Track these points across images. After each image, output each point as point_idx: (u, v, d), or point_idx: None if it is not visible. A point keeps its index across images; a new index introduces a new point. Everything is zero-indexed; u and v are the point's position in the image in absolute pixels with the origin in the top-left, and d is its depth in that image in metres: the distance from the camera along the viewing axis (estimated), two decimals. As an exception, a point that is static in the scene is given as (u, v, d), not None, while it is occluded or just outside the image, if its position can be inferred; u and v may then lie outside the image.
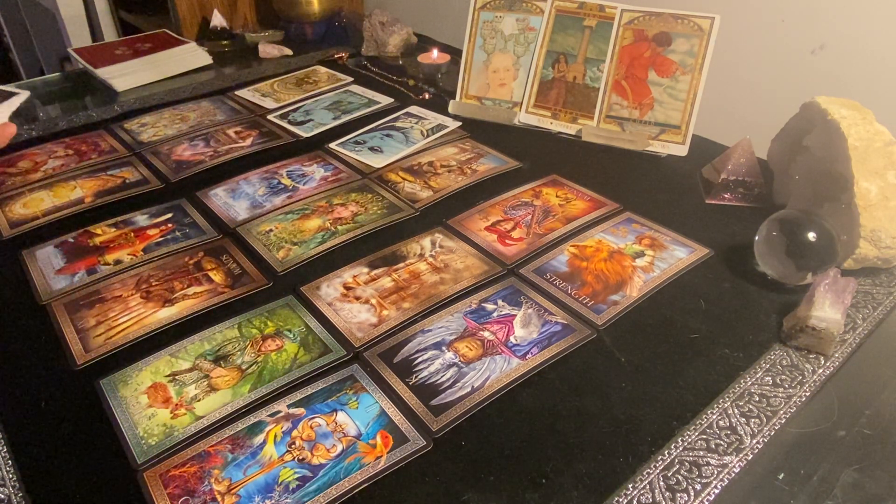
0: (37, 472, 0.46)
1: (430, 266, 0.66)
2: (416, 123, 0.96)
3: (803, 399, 0.52)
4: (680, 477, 0.46)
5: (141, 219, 0.75)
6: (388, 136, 0.93)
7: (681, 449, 0.47)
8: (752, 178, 0.76)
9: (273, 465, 0.46)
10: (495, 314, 0.60)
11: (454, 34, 1.14)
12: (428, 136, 0.92)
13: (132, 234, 0.72)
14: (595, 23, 0.91)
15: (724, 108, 0.98)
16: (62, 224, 0.75)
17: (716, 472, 0.46)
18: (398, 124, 0.96)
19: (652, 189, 0.80)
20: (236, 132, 0.95)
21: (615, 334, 0.58)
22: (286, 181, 0.82)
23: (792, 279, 0.61)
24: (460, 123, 0.95)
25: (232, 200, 0.78)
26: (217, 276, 0.65)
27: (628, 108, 0.90)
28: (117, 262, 0.68)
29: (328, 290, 0.63)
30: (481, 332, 0.58)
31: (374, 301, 0.62)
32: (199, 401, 0.51)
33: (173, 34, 1.30)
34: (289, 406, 0.51)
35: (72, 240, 0.72)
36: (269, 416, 0.50)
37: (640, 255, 0.68)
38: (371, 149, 0.89)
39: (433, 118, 0.97)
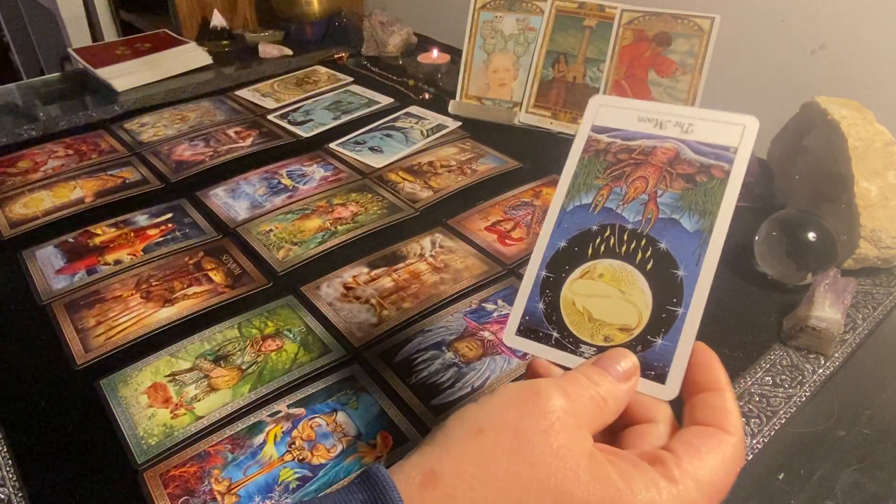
0: (37, 473, 0.46)
1: (430, 266, 0.66)
2: (416, 123, 0.96)
3: (803, 399, 0.52)
4: (680, 477, 0.45)
5: (141, 219, 0.75)
6: (388, 136, 0.93)
7: (681, 449, 0.47)
8: (752, 178, 0.76)
9: (273, 465, 0.46)
10: (495, 314, 0.60)
11: (454, 34, 1.14)
12: (428, 136, 0.92)
13: (132, 234, 0.72)
14: (595, 23, 0.92)
15: (724, 108, 0.98)
16: (62, 224, 0.75)
17: (716, 472, 0.46)
18: (398, 124, 0.96)
19: (652, 189, 0.80)
20: (236, 132, 0.95)
21: (615, 334, 0.58)
22: (286, 181, 0.82)
23: (792, 279, 0.61)
24: (460, 123, 0.95)
25: (232, 200, 0.78)
26: (217, 276, 0.65)
27: (628, 108, 0.90)
28: (117, 262, 0.68)
29: (328, 290, 0.63)
30: (481, 332, 0.58)
31: (374, 301, 0.62)
32: (199, 401, 0.51)
33: (173, 34, 1.30)
34: (289, 406, 0.51)
35: (72, 240, 0.72)
36: (269, 416, 0.50)
37: (640, 255, 0.68)
38: (371, 149, 0.89)
39: (433, 118, 0.97)
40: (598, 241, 0.27)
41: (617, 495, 0.23)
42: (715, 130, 0.27)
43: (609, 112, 0.29)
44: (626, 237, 0.26)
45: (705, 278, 0.23)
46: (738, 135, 0.26)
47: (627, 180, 0.27)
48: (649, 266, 0.25)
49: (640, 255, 0.26)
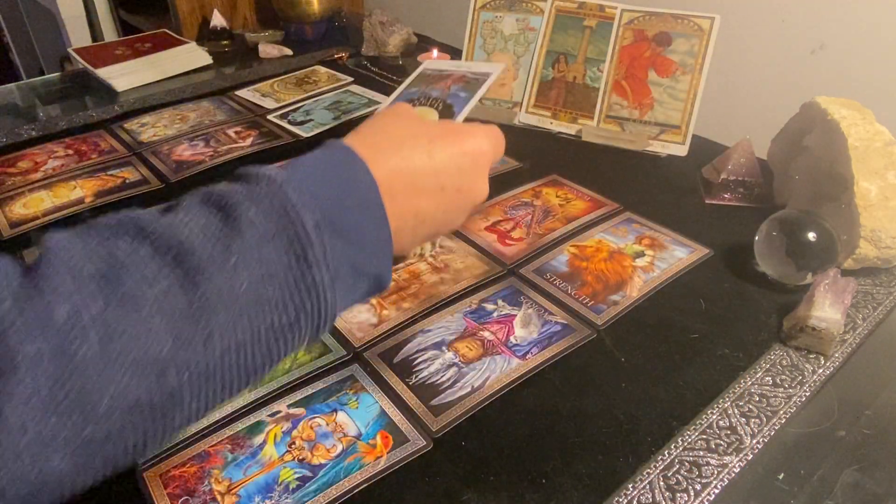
0: (37, 472, 0.46)
1: (430, 266, 0.66)
2: (416, 123, 0.96)
3: (803, 399, 0.52)
4: (680, 477, 0.46)
5: (141, 219, 0.75)
6: (388, 136, 0.93)
7: (681, 449, 0.47)
8: (752, 178, 0.76)
9: (273, 465, 0.46)
10: (495, 314, 0.60)
11: (454, 34, 1.14)
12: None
13: (132, 234, 0.72)
14: (595, 23, 0.92)
15: (724, 108, 0.98)
16: (62, 224, 0.75)
17: (716, 472, 0.46)
18: (398, 124, 0.96)
19: (652, 189, 0.80)
20: (236, 132, 0.95)
21: (615, 334, 0.58)
22: (286, 181, 0.82)
23: (792, 279, 0.61)
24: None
25: (232, 200, 0.78)
26: (217, 276, 0.65)
27: (628, 108, 0.90)
28: (117, 262, 0.68)
29: (328, 290, 0.63)
30: (481, 332, 0.58)
31: (373, 301, 0.62)
32: (199, 401, 0.51)
33: (173, 34, 1.30)
34: (289, 406, 0.51)
35: (72, 240, 0.72)
36: (269, 416, 0.50)
37: (640, 255, 0.68)
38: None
39: (433, 118, 0.97)
40: (416, 100, 0.60)
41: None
42: (480, 67, 0.61)
43: (433, 65, 0.65)
44: (429, 101, 0.59)
45: (464, 114, 0.54)
46: (492, 70, 0.57)
47: (437, 82, 0.61)
48: (440, 108, 0.58)
49: (436, 105, 0.59)
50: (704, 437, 0.48)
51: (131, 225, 0.30)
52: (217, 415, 0.50)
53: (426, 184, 0.38)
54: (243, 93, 1.09)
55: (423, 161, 0.38)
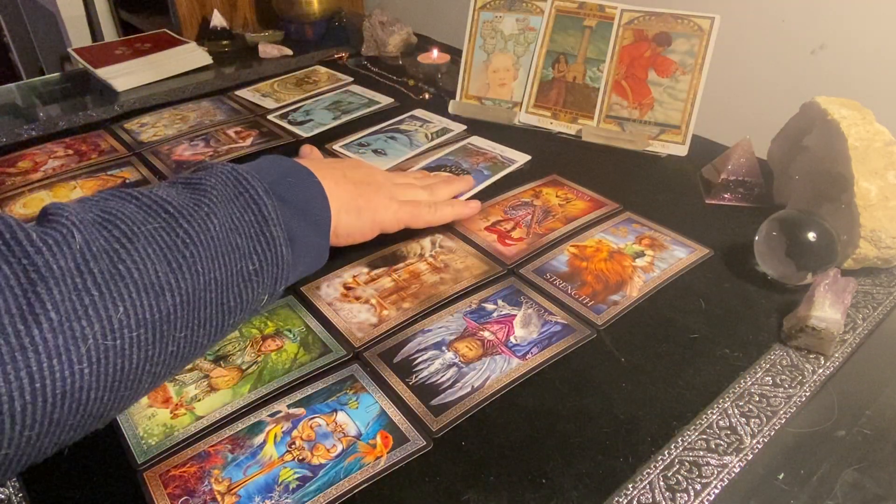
0: (37, 472, 0.46)
1: (430, 266, 0.66)
2: (421, 126, 0.96)
3: (803, 399, 0.52)
4: (680, 477, 0.46)
5: (141, 219, 0.75)
6: (391, 138, 0.93)
7: (681, 449, 0.48)
8: (752, 178, 0.76)
9: (273, 465, 0.46)
10: (495, 314, 0.60)
11: (454, 34, 1.14)
12: (432, 139, 0.92)
13: (132, 234, 0.72)
14: (595, 23, 0.92)
15: (724, 108, 0.98)
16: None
17: (716, 472, 0.46)
18: (402, 127, 0.96)
19: (652, 189, 0.80)
20: (236, 132, 0.95)
21: (615, 334, 0.58)
22: (286, 181, 0.82)
23: (792, 279, 0.61)
24: (465, 127, 0.95)
25: (232, 200, 0.78)
26: (217, 276, 0.65)
27: (628, 108, 0.90)
28: (117, 262, 0.68)
29: (328, 290, 0.63)
30: (481, 332, 0.58)
31: (374, 301, 0.62)
32: (198, 401, 0.51)
33: (173, 34, 1.30)
34: (289, 406, 0.51)
35: (72, 240, 0.71)
36: (269, 416, 0.50)
37: (640, 255, 0.68)
38: (375, 151, 0.89)
39: (438, 121, 0.97)
40: (448, 167, 0.75)
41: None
42: (510, 154, 0.75)
43: (476, 141, 0.82)
44: (458, 170, 0.75)
45: (480, 187, 0.66)
46: (519, 159, 0.64)
47: (472, 156, 0.78)
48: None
49: (462, 175, 0.73)
50: (704, 437, 0.48)
51: (118, 194, 0.37)
52: (217, 415, 0.50)
53: (349, 174, 0.53)
54: (243, 93, 1.09)
55: (341, 162, 0.54)
